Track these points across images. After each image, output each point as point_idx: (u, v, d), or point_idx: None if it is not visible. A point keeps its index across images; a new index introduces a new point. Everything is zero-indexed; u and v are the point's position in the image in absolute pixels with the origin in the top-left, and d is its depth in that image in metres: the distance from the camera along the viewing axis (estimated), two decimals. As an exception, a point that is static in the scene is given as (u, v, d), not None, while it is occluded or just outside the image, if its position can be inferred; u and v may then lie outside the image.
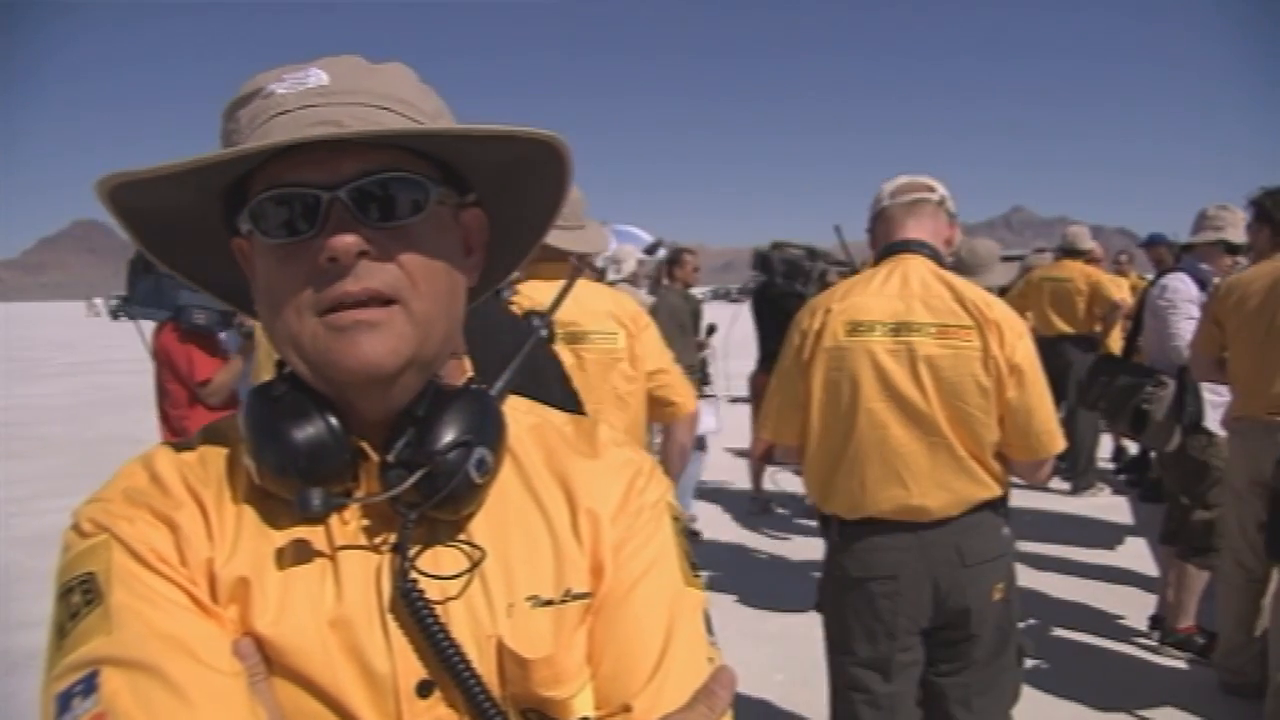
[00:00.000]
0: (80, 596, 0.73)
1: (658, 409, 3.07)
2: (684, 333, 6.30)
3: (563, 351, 2.83)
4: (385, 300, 0.77)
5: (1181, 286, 4.41)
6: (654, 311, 6.11)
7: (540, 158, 0.86)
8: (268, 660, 0.75)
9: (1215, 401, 4.21)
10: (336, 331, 0.76)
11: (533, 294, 2.83)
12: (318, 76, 0.80)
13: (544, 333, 2.71)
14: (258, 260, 0.80)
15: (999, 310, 2.34)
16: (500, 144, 0.82)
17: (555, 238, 2.74)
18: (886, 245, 2.52)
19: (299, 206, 0.76)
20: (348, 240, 0.74)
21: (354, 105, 0.78)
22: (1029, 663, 3.99)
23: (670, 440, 3.26)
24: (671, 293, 6.53)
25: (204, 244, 0.88)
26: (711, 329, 7.04)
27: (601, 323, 2.90)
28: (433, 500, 0.79)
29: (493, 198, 0.90)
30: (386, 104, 0.80)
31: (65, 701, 0.69)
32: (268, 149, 0.73)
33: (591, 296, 2.89)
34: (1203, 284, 4.38)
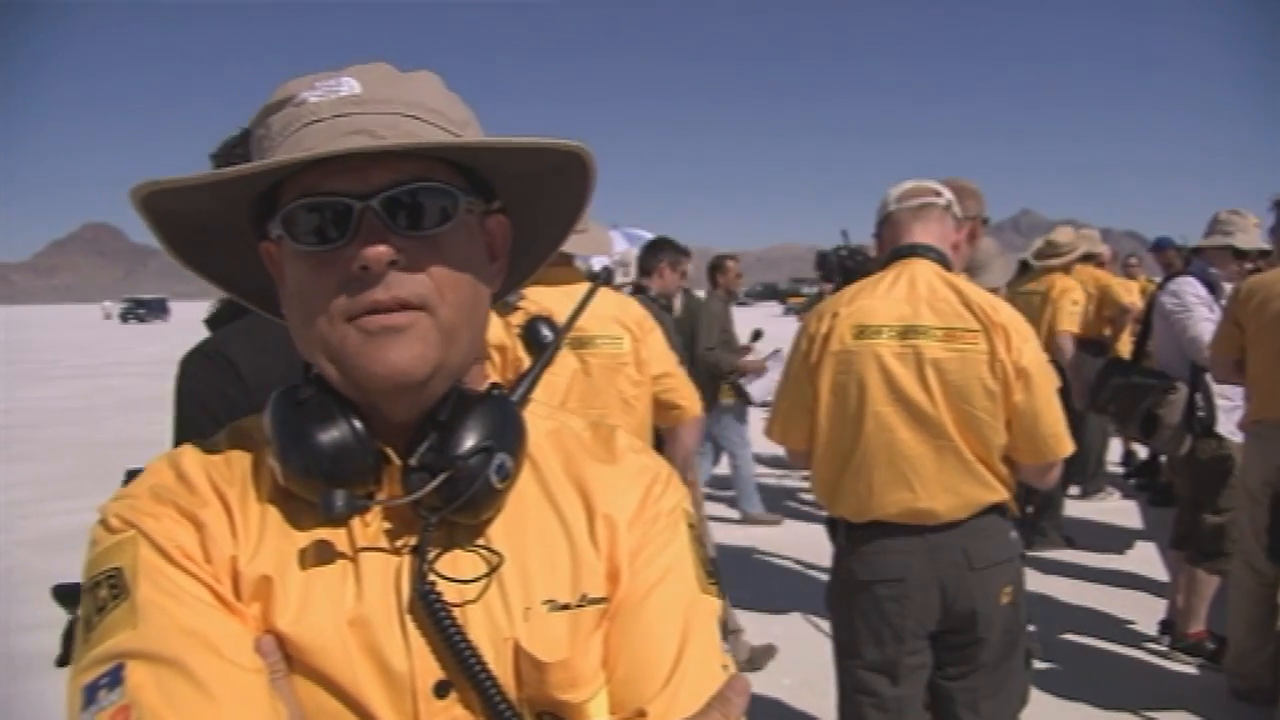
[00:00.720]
0: (107, 591, 0.75)
1: (663, 412, 3.07)
2: (726, 337, 6.32)
3: (568, 356, 2.83)
4: (414, 308, 0.78)
5: (1190, 289, 4.39)
6: (698, 315, 6.08)
7: (565, 167, 0.88)
8: (288, 658, 0.77)
9: (1226, 406, 4.19)
10: (366, 336, 0.77)
11: (540, 299, 2.84)
12: (350, 85, 0.81)
13: (549, 335, 2.71)
14: (288, 265, 0.82)
15: (1006, 313, 2.34)
16: (530, 154, 0.84)
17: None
18: (893, 249, 2.51)
19: (331, 215, 0.77)
20: (379, 250, 0.76)
21: (387, 115, 0.80)
22: (1037, 666, 3.98)
23: (675, 444, 3.24)
24: (714, 299, 6.53)
25: (231, 247, 0.89)
26: (758, 334, 7.03)
27: (607, 327, 2.90)
28: (453, 505, 0.80)
29: (516, 204, 0.91)
30: (418, 113, 0.81)
31: (91, 693, 0.70)
32: (301, 161, 0.75)
33: (597, 301, 2.88)
34: (1211, 287, 4.37)
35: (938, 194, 2.53)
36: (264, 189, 0.81)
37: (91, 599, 0.76)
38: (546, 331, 2.75)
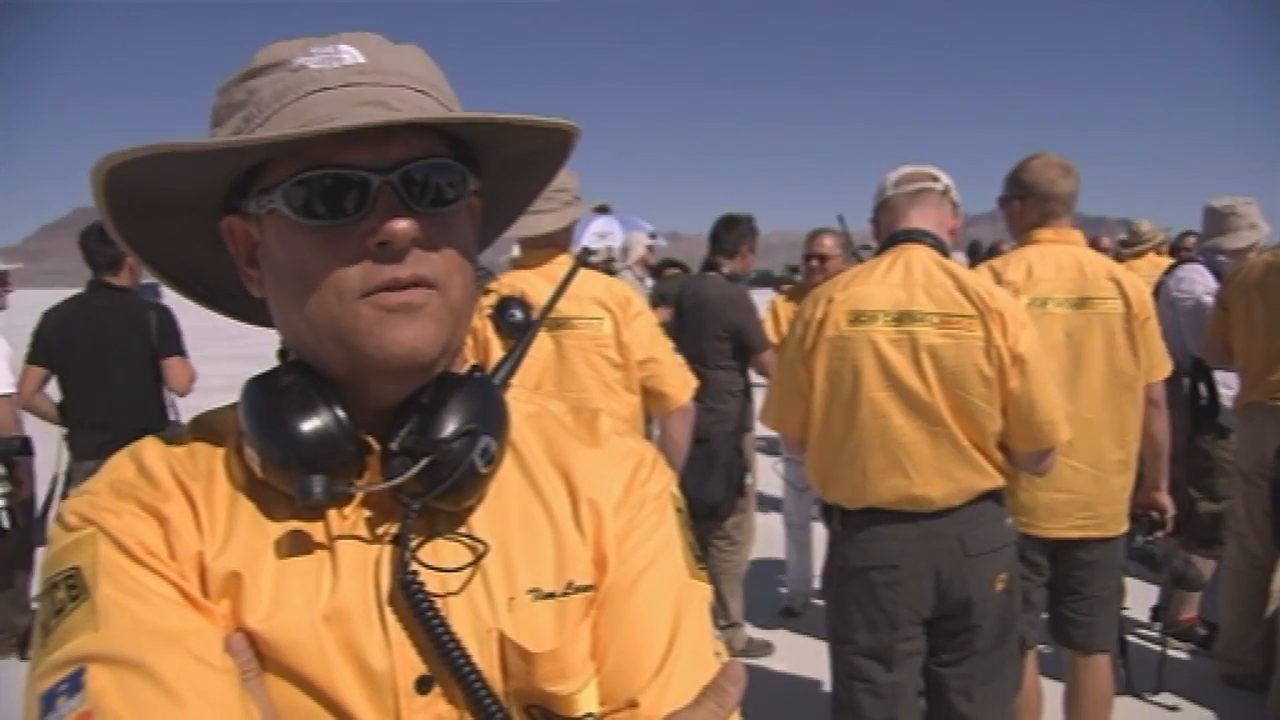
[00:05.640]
0: (65, 592, 0.71)
1: (651, 400, 2.98)
2: None
3: (541, 338, 2.78)
4: (429, 286, 0.76)
5: (1199, 278, 4.38)
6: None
7: (550, 150, 0.86)
8: (260, 656, 0.73)
9: (1226, 394, 4.21)
10: (383, 313, 0.74)
11: (518, 283, 2.82)
12: (352, 54, 0.78)
13: (518, 316, 2.69)
14: (282, 241, 0.77)
15: (1002, 300, 2.33)
16: (529, 135, 0.82)
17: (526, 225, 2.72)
18: (890, 235, 2.50)
19: (345, 188, 0.74)
20: (404, 225, 0.73)
21: (396, 87, 0.77)
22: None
23: (664, 434, 3.16)
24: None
25: (177, 226, 0.84)
26: None
27: (585, 308, 2.84)
28: (437, 490, 0.77)
29: (486, 186, 0.89)
30: (423, 87, 0.79)
31: (50, 701, 0.66)
32: (342, 129, 0.70)
33: (578, 281, 2.84)
34: (1219, 276, 4.36)
35: (935, 179, 2.52)
36: (256, 161, 0.77)
37: (49, 601, 0.71)
38: (517, 313, 2.71)
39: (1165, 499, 3.11)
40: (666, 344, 3.03)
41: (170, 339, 4.24)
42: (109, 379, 4.13)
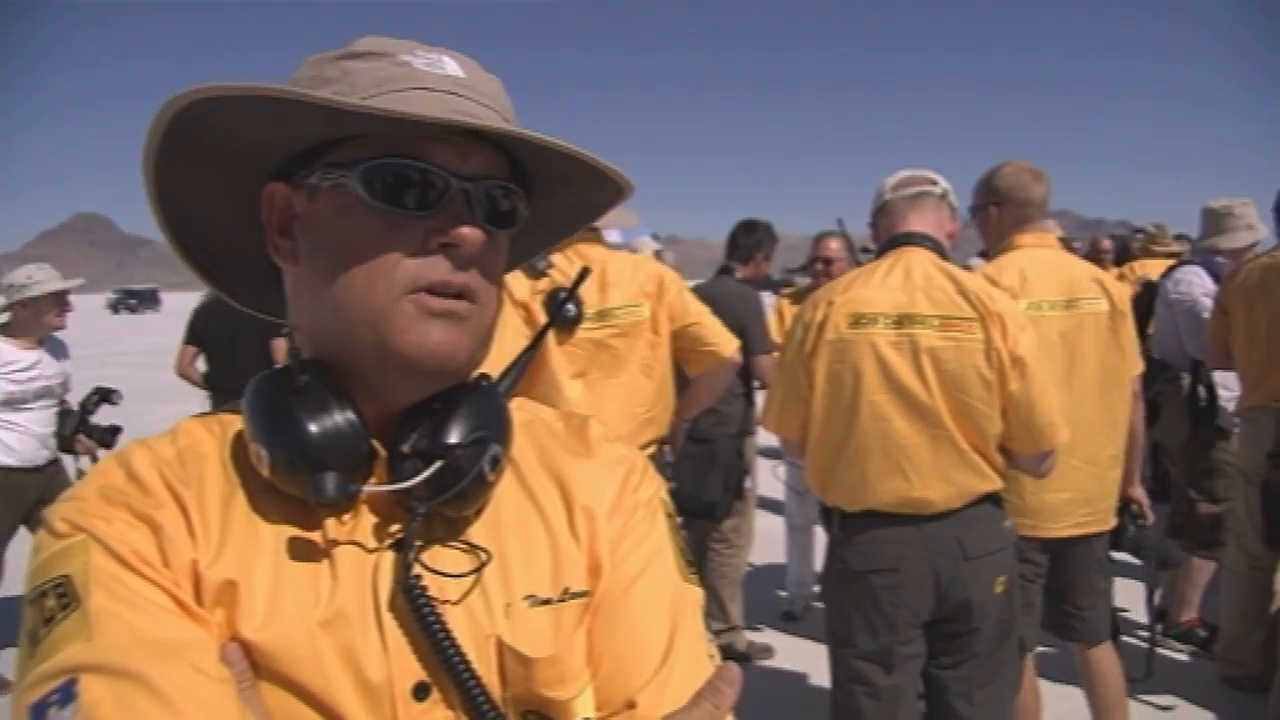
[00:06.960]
0: (55, 600, 0.69)
1: (699, 357, 3.07)
2: None
3: (589, 329, 2.87)
4: (471, 298, 0.78)
5: (1197, 280, 4.38)
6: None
7: (583, 209, 0.91)
8: (255, 665, 0.72)
9: (1225, 395, 4.21)
10: (425, 314, 0.76)
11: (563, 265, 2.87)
12: (453, 66, 0.80)
13: (572, 311, 2.75)
14: (338, 218, 0.78)
15: (1001, 302, 2.34)
16: (586, 188, 0.85)
17: None
18: (889, 238, 2.51)
19: (420, 184, 0.76)
20: (476, 233, 0.76)
21: (488, 108, 0.79)
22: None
23: (698, 385, 3.21)
24: None
25: (204, 173, 0.83)
26: None
27: (627, 296, 2.93)
28: (446, 494, 0.77)
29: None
30: (506, 115, 0.81)
31: (40, 712, 0.65)
32: (476, 126, 0.74)
33: (616, 268, 2.93)
34: (1216, 277, 4.37)
35: (933, 183, 2.53)
36: (336, 135, 0.78)
37: (37, 610, 0.69)
38: (570, 308, 2.78)
39: (1139, 491, 3.18)
40: (703, 307, 3.13)
41: (275, 324, 5.06)
42: (236, 355, 5.21)
